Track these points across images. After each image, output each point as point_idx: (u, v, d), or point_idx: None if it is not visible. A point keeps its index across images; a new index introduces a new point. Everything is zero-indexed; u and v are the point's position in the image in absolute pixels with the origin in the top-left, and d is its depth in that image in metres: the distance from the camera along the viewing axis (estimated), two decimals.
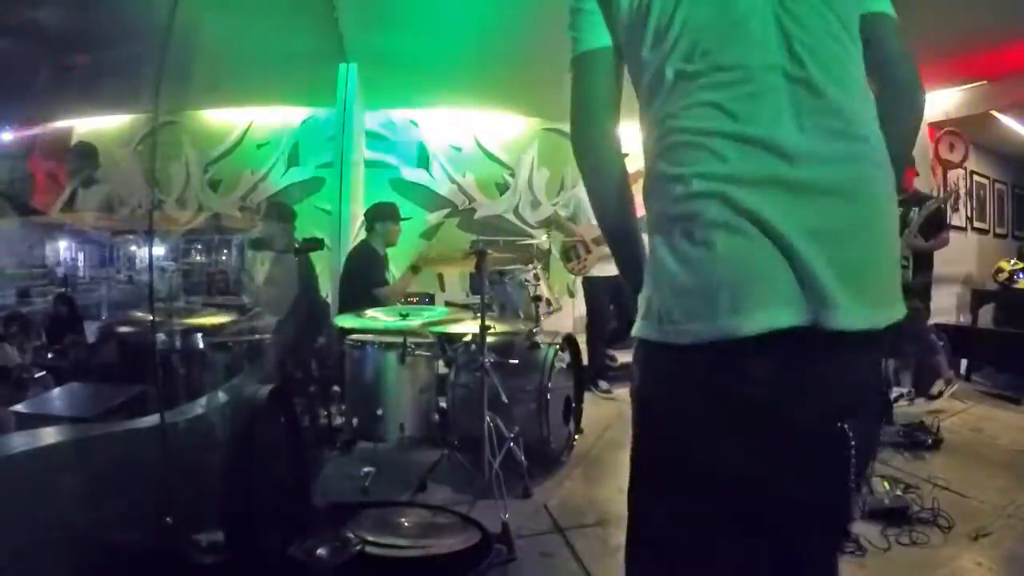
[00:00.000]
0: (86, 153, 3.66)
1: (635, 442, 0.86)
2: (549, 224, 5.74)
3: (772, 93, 0.75)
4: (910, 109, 0.91)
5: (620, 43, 0.91)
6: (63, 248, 3.24)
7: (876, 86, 0.86)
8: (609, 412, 3.74)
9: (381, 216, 3.46)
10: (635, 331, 0.83)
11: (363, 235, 3.61)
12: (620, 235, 1.01)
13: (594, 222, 4.13)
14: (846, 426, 0.75)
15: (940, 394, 3.79)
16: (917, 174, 3.88)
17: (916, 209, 3.73)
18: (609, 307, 4.09)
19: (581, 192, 4.21)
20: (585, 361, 4.11)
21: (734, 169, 0.73)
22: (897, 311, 0.77)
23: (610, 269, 4.04)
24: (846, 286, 0.70)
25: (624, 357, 4.22)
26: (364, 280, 3.26)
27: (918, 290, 3.73)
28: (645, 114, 0.89)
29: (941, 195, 4.66)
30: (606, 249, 3.99)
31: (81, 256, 3.31)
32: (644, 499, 0.85)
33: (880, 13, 0.88)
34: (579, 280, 4.31)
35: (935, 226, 3.72)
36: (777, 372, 0.72)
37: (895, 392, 3.88)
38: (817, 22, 0.78)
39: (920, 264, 3.71)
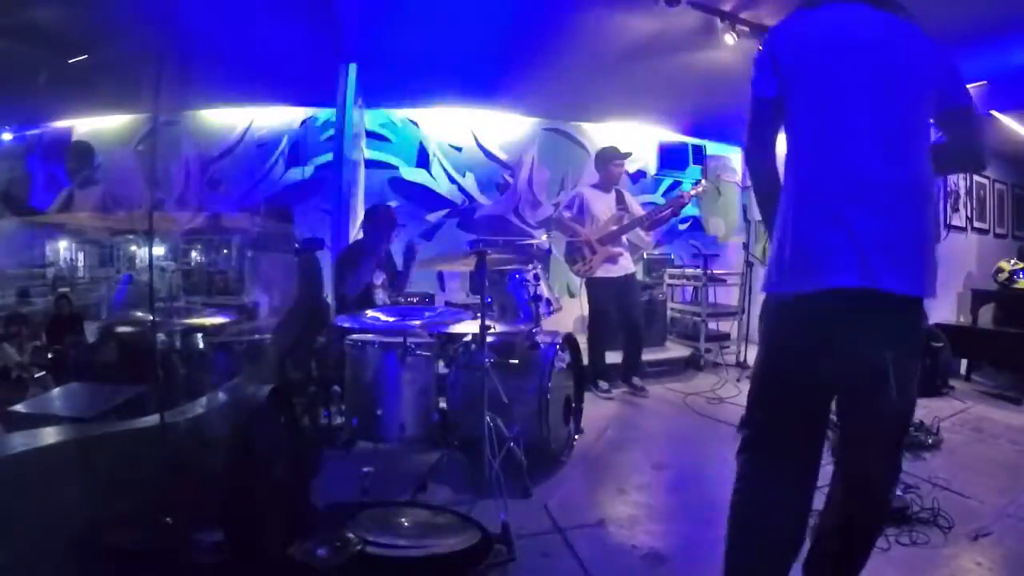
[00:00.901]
0: (83, 153, 3.66)
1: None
2: (552, 224, 5.76)
3: None
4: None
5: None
6: (63, 248, 3.24)
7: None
8: (609, 412, 3.74)
9: (380, 222, 3.45)
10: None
11: (360, 235, 3.61)
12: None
13: (601, 220, 4.14)
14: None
15: None
16: None
17: None
18: (612, 309, 4.07)
19: (585, 191, 4.20)
20: (585, 361, 4.11)
21: None
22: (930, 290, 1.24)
23: (615, 270, 4.03)
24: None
25: (616, 358, 4.21)
26: (353, 278, 3.26)
27: None
28: None
29: (941, 201, 4.67)
30: (612, 249, 3.99)
31: (81, 256, 3.30)
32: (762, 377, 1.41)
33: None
34: (580, 281, 4.30)
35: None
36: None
37: None
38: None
39: None
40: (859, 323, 1.20)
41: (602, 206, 4.07)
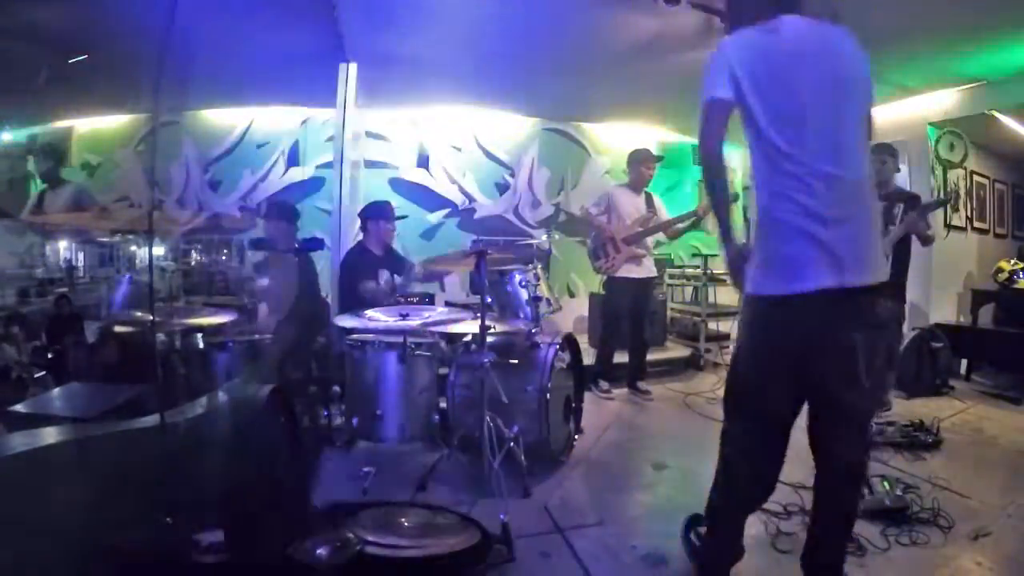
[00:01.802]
0: (50, 153, 3.67)
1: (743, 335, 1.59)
2: (573, 220, 5.75)
3: None
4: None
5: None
6: (62, 249, 3.24)
7: None
8: (609, 412, 3.74)
9: (375, 215, 3.45)
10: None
11: (360, 236, 3.61)
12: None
13: (626, 222, 4.14)
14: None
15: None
16: (898, 170, 3.87)
17: (900, 205, 3.71)
18: (627, 310, 4.06)
19: (614, 191, 4.20)
20: (592, 360, 4.11)
21: None
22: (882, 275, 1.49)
23: (637, 272, 4.03)
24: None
25: (621, 358, 4.22)
26: (352, 282, 3.26)
27: (893, 291, 3.67)
28: None
29: (940, 195, 4.67)
30: (636, 250, 4.00)
31: (81, 256, 3.31)
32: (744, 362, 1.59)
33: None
34: (600, 279, 4.28)
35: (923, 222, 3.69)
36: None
37: None
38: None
39: (899, 265, 3.66)
40: (832, 314, 1.43)
41: (630, 207, 4.06)
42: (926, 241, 3.70)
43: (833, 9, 1.54)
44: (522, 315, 3.15)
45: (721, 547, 1.71)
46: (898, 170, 3.85)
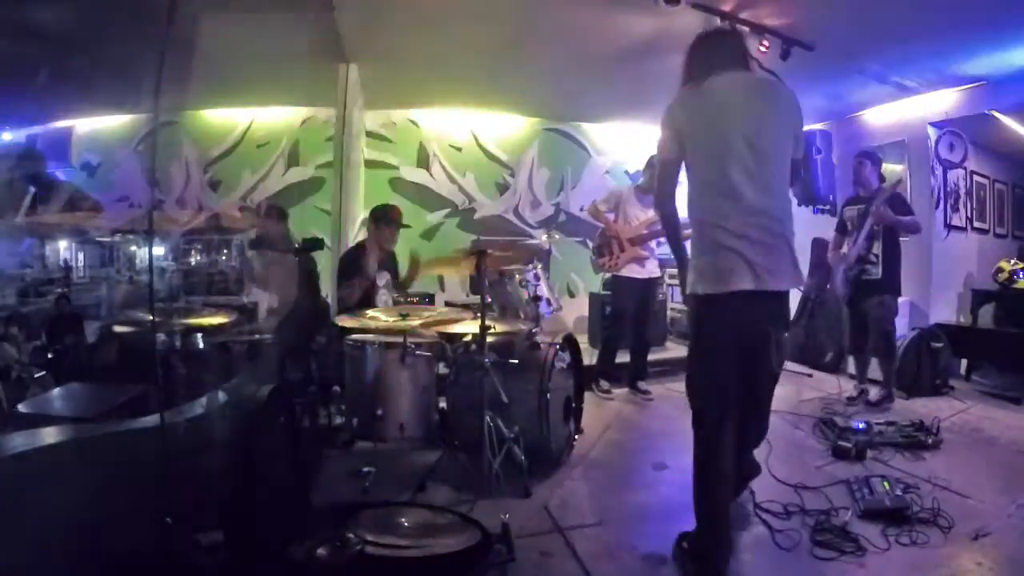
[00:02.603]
0: (32, 158, 3.67)
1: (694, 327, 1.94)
2: (573, 220, 5.73)
3: None
4: None
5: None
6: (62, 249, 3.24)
7: None
8: (609, 412, 3.74)
9: (384, 219, 3.43)
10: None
11: (360, 237, 3.60)
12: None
13: (633, 223, 4.16)
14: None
15: (879, 403, 3.75)
16: (883, 179, 3.88)
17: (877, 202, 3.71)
18: (631, 310, 4.05)
19: (626, 191, 4.20)
20: (592, 360, 4.11)
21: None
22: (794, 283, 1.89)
23: (640, 272, 4.03)
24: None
25: (622, 357, 4.22)
26: (344, 282, 3.25)
27: (887, 288, 3.71)
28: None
29: (942, 200, 4.66)
30: (640, 251, 4.00)
31: (80, 256, 3.30)
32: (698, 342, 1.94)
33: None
34: (603, 277, 4.26)
35: (902, 212, 3.69)
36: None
37: (876, 395, 3.82)
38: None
39: (889, 262, 3.68)
40: (753, 310, 1.80)
41: (637, 209, 4.06)
42: (909, 229, 3.69)
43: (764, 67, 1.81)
44: (522, 315, 3.15)
45: (711, 537, 1.82)
46: (882, 179, 3.86)
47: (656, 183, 1.96)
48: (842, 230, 3.96)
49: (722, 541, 1.83)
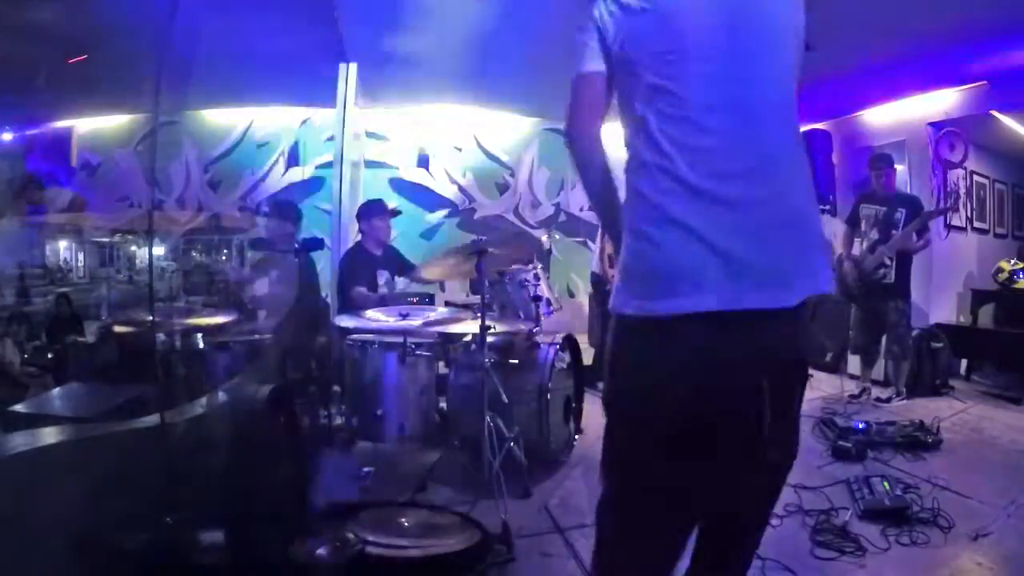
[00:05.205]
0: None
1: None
2: (573, 220, 5.71)
3: None
4: None
5: None
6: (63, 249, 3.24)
7: None
8: None
9: (367, 214, 3.43)
10: None
11: (359, 236, 3.60)
12: None
13: None
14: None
15: (888, 400, 3.82)
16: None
17: (902, 210, 3.75)
18: None
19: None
20: (592, 360, 4.10)
21: None
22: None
23: None
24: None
25: None
26: (349, 283, 3.25)
27: (901, 292, 3.76)
28: None
29: (942, 200, 4.67)
30: None
31: (81, 256, 3.31)
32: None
33: None
34: (587, 283, 4.26)
35: (923, 228, 3.76)
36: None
37: (886, 392, 3.89)
38: None
39: (902, 266, 3.74)
40: (730, 354, 0.96)
41: None
42: (917, 251, 3.78)
43: None
44: (522, 315, 3.14)
45: None
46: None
47: (566, 113, 1.12)
48: (854, 224, 3.99)
49: None
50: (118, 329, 2.63)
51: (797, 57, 1.07)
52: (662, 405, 0.96)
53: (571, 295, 5.83)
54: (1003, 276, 4.56)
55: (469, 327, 2.69)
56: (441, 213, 5.63)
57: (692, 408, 0.94)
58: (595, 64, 1.07)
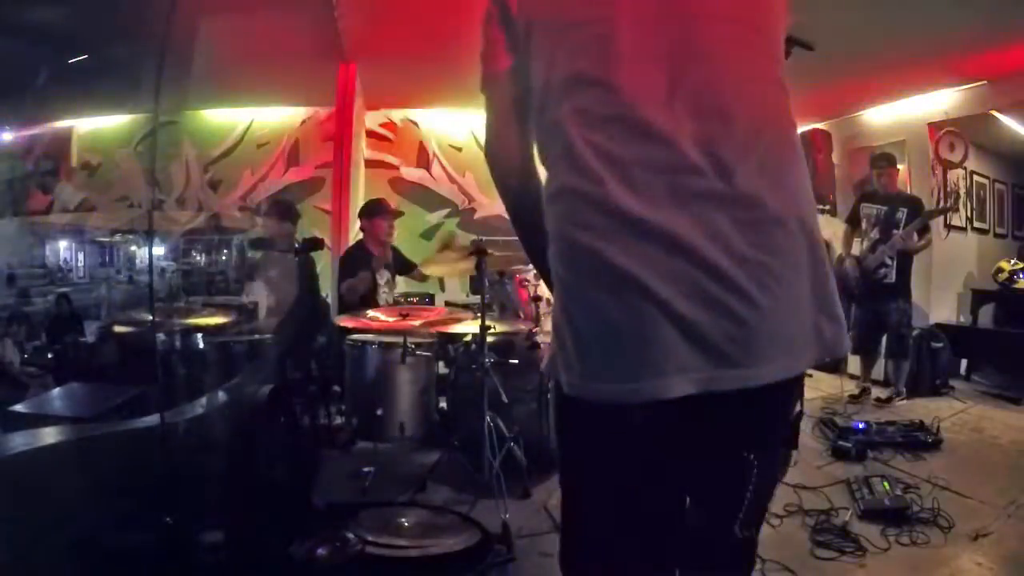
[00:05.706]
0: None
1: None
2: None
3: None
4: None
5: None
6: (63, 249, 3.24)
7: None
8: None
9: (368, 214, 3.43)
10: None
11: (360, 236, 3.60)
12: None
13: None
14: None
15: (889, 400, 3.82)
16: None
17: (904, 210, 3.76)
18: None
19: None
20: None
21: None
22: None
23: None
24: None
25: None
26: (343, 281, 3.24)
27: (901, 291, 3.77)
28: None
29: (942, 200, 4.67)
30: None
31: (81, 256, 3.31)
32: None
33: None
34: None
35: (924, 228, 3.77)
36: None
37: (886, 392, 3.90)
38: None
39: (903, 266, 3.75)
40: (708, 441, 0.80)
41: None
42: (918, 251, 3.78)
43: None
44: (522, 315, 3.15)
45: None
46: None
47: (485, 132, 0.97)
48: (854, 224, 3.99)
49: None
50: (118, 329, 2.63)
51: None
52: (633, 495, 0.77)
53: None
54: (1003, 276, 4.56)
55: (469, 327, 2.70)
56: (441, 213, 5.63)
57: (667, 491, 0.80)
58: (507, 58, 0.82)
